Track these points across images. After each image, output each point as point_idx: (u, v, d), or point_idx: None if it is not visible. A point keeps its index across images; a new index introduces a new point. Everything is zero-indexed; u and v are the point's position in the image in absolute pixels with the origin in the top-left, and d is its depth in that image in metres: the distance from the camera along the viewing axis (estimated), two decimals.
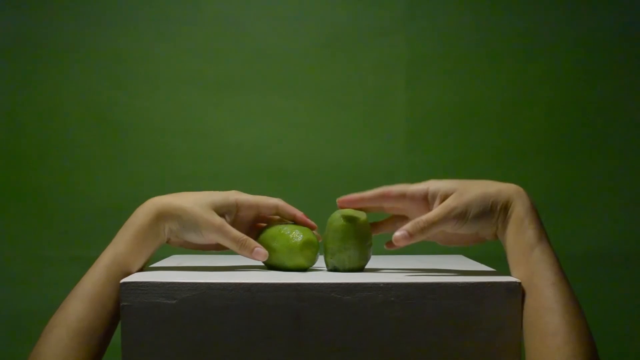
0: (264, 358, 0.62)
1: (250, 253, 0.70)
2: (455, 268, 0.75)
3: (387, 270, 0.73)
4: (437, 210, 0.66)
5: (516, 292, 0.62)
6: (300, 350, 0.62)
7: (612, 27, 1.16)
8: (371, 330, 0.62)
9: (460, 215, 0.66)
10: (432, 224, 0.66)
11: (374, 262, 0.83)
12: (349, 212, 0.70)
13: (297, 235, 0.70)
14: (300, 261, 0.70)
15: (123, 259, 0.67)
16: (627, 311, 1.15)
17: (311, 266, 0.72)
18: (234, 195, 0.72)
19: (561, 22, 1.16)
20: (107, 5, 1.15)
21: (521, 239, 0.65)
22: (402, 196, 0.70)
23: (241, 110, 1.16)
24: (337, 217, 0.70)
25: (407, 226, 0.67)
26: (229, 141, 1.16)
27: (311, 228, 0.73)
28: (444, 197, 0.68)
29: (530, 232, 0.65)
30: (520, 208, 0.66)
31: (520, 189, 0.67)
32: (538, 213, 0.67)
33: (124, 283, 0.63)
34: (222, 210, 0.70)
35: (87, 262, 0.69)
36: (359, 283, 0.62)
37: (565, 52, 1.16)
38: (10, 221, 1.14)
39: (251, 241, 0.70)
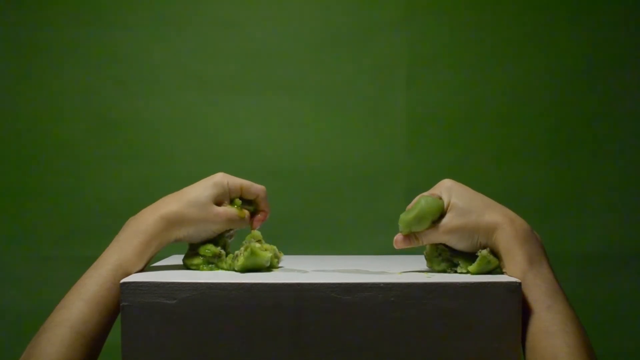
0: (264, 358, 0.62)
1: (256, 223, 0.77)
2: None
3: (387, 270, 0.73)
4: (432, 227, 0.69)
5: (516, 292, 0.62)
6: (300, 350, 0.62)
7: (612, 27, 1.16)
8: (371, 330, 0.62)
9: (448, 238, 0.69)
10: (425, 236, 0.70)
11: (374, 262, 0.83)
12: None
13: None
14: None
15: (130, 265, 0.68)
16: (627, 311, 1.15)
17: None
18: (224, 179, 0.74)
19: (561, 22, 1.16)
20: (107, 5, 1.15)
21: (513, 267, 0.66)
22: None
23: (241, 110, 1.16)
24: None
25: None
26: (229, 141, 1.16)
27: (251, 227, 0.76)
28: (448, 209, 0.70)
29: (518, 259, 0.66)
30: (503, 238, 0.67)
31: (507, 217, 0.68)
32: (530, 235, 0.67)
33: (124, 283, 0.63)
34: (220, 199, 0.73)
35: (87, 262, 0.69)
36: (359, 283, 0.62)
37: (565, 52, 1.16)
38: (11, 221, 1.14)
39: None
